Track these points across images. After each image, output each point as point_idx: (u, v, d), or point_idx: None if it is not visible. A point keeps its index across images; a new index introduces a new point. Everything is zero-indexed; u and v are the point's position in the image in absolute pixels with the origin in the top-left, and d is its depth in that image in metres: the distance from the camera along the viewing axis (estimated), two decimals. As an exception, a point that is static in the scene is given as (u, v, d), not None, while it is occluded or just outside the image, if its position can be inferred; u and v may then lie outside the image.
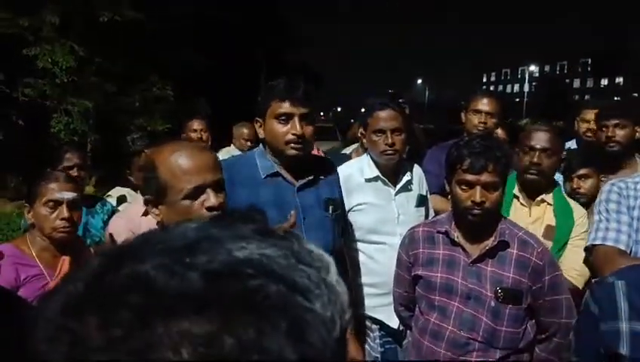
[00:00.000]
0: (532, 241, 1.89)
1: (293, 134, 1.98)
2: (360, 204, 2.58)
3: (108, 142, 8.96)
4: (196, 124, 4.16)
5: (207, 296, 0.34)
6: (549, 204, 2.46)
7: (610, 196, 2.20)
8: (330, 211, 2.14)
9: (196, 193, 1.40)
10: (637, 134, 2.80)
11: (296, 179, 2.09)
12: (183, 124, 4.36)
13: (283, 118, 1.99)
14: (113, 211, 2.96)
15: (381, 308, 2.52)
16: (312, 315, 0.36)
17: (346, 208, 2.50)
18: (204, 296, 0.34)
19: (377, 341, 2.63)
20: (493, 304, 1.83)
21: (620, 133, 2.81)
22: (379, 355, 2.61)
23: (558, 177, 2.73)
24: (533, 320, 1.90)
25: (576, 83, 77.68)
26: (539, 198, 2.48)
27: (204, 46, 12.49)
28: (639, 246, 2.09)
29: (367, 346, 2.59)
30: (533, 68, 77.50)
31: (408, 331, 2.21)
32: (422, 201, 2.72)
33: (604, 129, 2.85)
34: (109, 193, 3.33)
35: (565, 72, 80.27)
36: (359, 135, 3.11)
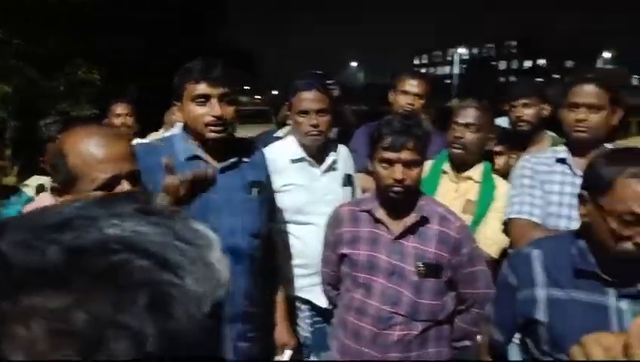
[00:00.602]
0: (451, 217, 1.95)
1: (212, 116, 1.93)
2: (286, 185, 2.58)
3: (29, 128, 8.49)
4: (120, 108, 3.98)
5: (67, 271, 0.34)
6: (475, 180, 2.53)
7: (523, 172, 2.30)
8: (255, 194, 2.11)
9: (111, 184, 1.31)
10: (544, 112, 2.94)
11: (218, 162, 2.05)
12: (107, 108, 4.18)
13: (200, 99, 1.94)
14: (30, 201, 2.81)
15: (310, 288, 2.54)
16: (179, 290, 0.36)
17: (274, 190, 2.50)
18: (63, 271, 0.34)
19: (307, 321, 2.66)
20: (414, 278, 1.88)
21: (527, 112, 2.95)
22: (309, 335, 2.64)
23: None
24: (453, 293, 1.97)
25: (503, 65, 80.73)
26: (465, 174, 2.56)
27: (135, 29, 12.03)
28: (552, 219, 2.21)
29: (297, 327, 2.61)
30: (462, 50, 79.79)
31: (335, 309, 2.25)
32: (348, 181, 2.74)
33: (513, 109, 2.99)
34: (26, 182, 3.16)
35: (492, 54, 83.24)
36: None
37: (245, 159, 2.13)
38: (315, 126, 2.51)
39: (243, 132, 4.32)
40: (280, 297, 2.34)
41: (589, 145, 2.18)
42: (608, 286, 1.41)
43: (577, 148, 2.22)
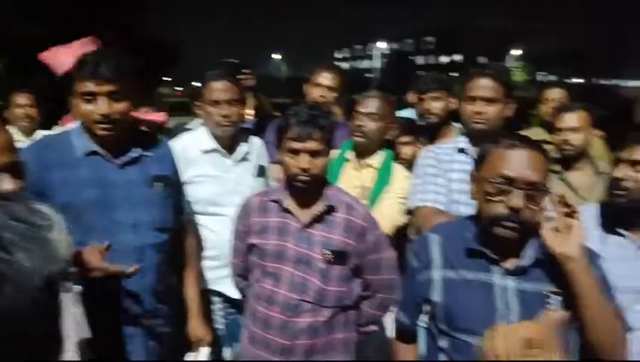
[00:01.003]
0: (357, 205, 2.00)
1: (99, 114, 1.87)
2: (198, 176, 2.55)
3: None
4: (22, 99, 3.74)
5: None
6: (374, 167, 2.62)
7: (427, 161, 2.41)
8: (158, 188, 2.06)
9: None
10: (451, 105, 3.09)
11: (117, 157, 1.99)
12: (9, 98, 3.92)
13: (88, 97, 1.88)
14: None
15: (223, 279, 2.53)
16: (7, 265, 0.38)
17: (184, 180, 2.46)
18: None
19: (220, 313, 2.65)
20: (321, 266, 1.91)
21: (435, 105, 3.09)
22: (223, 327, 2.63)
23: None
24: (360, 279, 2.02)
25: (421, 60, 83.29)
26: (366, 162, 2.63)
27: (43, 17, 11.35)
28: (453, 206, 2.32)
29: (212, 320, 2.59)
30: (382, 45, 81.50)
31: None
32: (260, 172, 2.75)
33: (421, 102, 3.13)
34: None
35: (411, 49, 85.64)
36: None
37: (148, 153, 2.07)
38: (225, 116, 2.50)
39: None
40: (192, 291, 2.31)
41: (487, 135, 2.31)
42: (495, 264, 1.51)
43: (476, 138, 2.35)
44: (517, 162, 1.45)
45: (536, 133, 3.92)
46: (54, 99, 4.06)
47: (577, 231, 1.41)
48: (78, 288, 1.28)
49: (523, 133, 3.92)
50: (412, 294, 1.70)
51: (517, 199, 1.42)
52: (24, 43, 10.37)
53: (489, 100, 2.27)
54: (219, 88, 2.53)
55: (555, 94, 3.86)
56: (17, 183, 1.27)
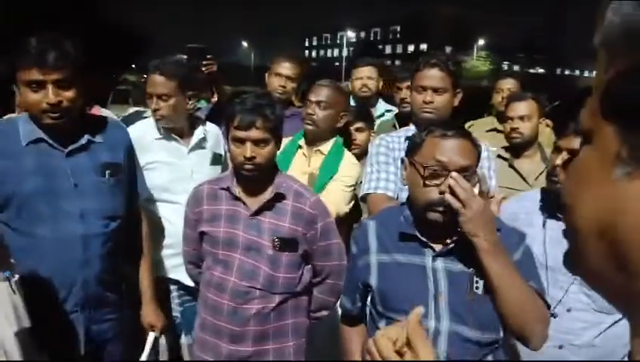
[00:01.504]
0: (306, 192, 2.03)
1: (47, 103, 1.84)
2: (151, 163, 2.53)
3: None
4: None
5: None
6: (324, 153, 2.65)
7: (379, 149, 2.45)
8: (107, 176, 2.05)
9: None
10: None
11: (65, 144, 1.96)
12: None
13: (34, 85, 1.83)
14: None
15: (178, 267, 2.53)
16: None
17: (140, 167, 2.44)
18: None
19: (176, 301, 2.65)
20: (271, 253, 1.94)
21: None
22: (178, 314, 2.63)
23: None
24: (309, 265, 2.06)
25: (388, 49, 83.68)
26: (315, 149, 2.66)
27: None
28: (405, 193, 2.37)
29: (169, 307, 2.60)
30: (350, 34, 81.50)
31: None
32: (217, 160, 2.74)
33: (398, 91, 3.23)
34: None
35: (378, 38, 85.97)
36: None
37: (98, 140, 2.05)
38: (155, 110, 2.51)
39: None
40: (145, 278, 2.31)
41: (435, 124, 2.36)
42: (426, 247, 1.57)
43: (425, 127, 2.40)
44: (448, 149, 1.52)
45: (488, 121, 4.03)
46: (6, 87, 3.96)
47: (479, 208, 1.45)
48: (15, 277, 1.27)
49: (474, 122, 4.06)
50: (353, 279, 1.75)
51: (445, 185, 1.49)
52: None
53: (437, 90, 2.32)
54: (151, 82, 2.51)
55: (507, 84, 3.96)
56: None
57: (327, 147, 2.66)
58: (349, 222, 2.65)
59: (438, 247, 1.56)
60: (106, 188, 2.04)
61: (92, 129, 2.05)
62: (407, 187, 2.33)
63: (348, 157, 2.68)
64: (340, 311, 2.39)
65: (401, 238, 1.60)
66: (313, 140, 2.67)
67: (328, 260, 2.04)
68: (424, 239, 1.57)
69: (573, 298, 1.95)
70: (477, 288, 1.50)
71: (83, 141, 1.99)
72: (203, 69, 3.27)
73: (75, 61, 1.89)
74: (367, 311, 1.78)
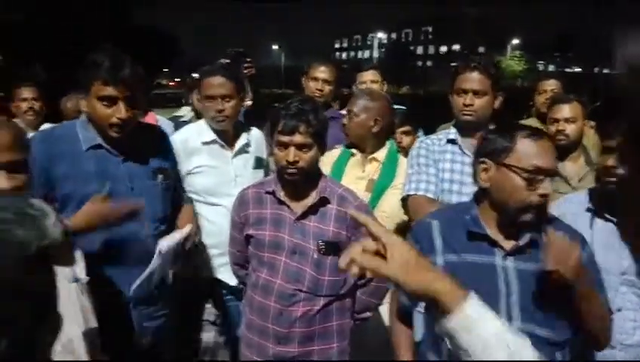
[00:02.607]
0: (349, 196, 2.05)
1: (118, 118, 1.95)
2: (198, 167, 2.62)
3: None
4: (26, 92, 3.69)
5: None
6: (379, 161, 2.66)
7: (419, 152, 2.47)
8: (159, 180, 2.14)
9: None
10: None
11: (121, 150, 2.06)
12: (12, 91, 3.91)
13: (107, 100, 1.94)
14: None
15: (221, 267, 2.61)
16: (6, 234, 0.50)
17: (185, 171, 2.53)
18: None
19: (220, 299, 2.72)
20: (315, 256, 1.97)
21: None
22: (220, 313, 2.70)
23: None
24: (353, 268, 2.07)
25: (420, 50, 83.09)
26: (370, 156, 2.68)
27: (36, 6, 11.31)
28: (445, 195, 2.38)
29: (208, 305, 2.67)
30: (381, 35, 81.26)
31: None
32: (259, 163, 2.81)
33: None
34: None
35: (410, 39, 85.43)
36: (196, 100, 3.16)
37: (149, 146, 2.14)
38: (219, 111, 2.56)
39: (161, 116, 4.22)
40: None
41: (475, 127, 2.37)
42: (495, 246, 1.58)
43: (465, 129, 2.41)
44: (543, 152, 1.54)
45: (529, 123, 3.97)
46: (53, 91, 4.09)
47: (564, 255, 1.47)
48: (85, 279, 1.33)
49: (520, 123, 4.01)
50: None
51: (548, 188, 1.52)
52: (22, 32, 10.36)
53: (477, 93, 2.32)
54: (213, 84, 2.59)
55: (551, 85, 3.91)
56: (17, 180, 1.32)
57: (382, 154, 2.67)
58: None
59: (507, 246, 1.57)
60: (158, 191, 2.12)
61: (143, 136, 2.14)
62: (447, 189, 2.37)
63: (404, 163, 2.69)
64: (382, 313, 2.42)
65: (470, 238, 1.61)
66: (362, 147, 2.69)
67: (372, 263, 2.06)
68: (495, 238, 1.58)
69: (624, 298, 1.94)
70: (548, 288, 1.51)
71: (137, 148, 2.07)
72: (245, 72, 3.35)
73: (141, 79, 2.02)
74: (420, 312, 1.79)
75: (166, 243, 2.02)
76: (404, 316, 1.89)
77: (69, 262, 1.30)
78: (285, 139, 1.92)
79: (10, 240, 0.48)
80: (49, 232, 0.52)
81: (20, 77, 4.61)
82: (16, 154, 1.35)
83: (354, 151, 2.73)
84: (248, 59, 3.43)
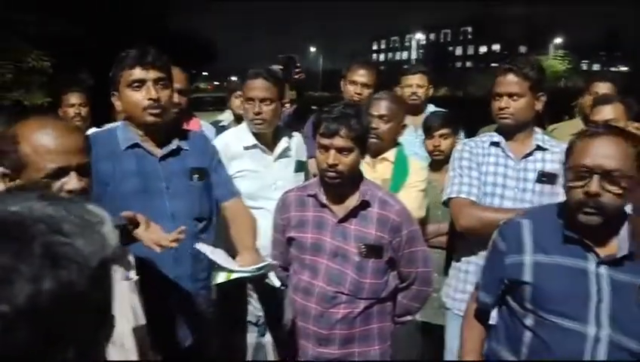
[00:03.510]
0: (391, 200, 2.06)
1: (149, 99, 1.99)
2: (240, 171, 2.66)
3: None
4: (74, 98, 3.80)
5: None
6: (390, 160, 2.68)
7: (462, 154, 2.45)
8: (195, 180, 2.17)
9: (58, 174, 1.36)
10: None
11: (159, 149, 2.10)
12: (60, 97, 4.06)
13: (136, 85, 1.99)
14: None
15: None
16: (69, 248, 0.48)
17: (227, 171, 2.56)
18: None
19: (256, 304, 2.76)
20: (357, 259, 1.99)
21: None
22: (262, 314, 2.75)
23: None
24: (395, 272, 2.09)
25: (459, 50, 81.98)
26: (381, 157, 2.69)
27: (77, 12, 11.68)
28: (487, 198, 2.37)
29: (250, 307, 2.72)
30: (419, 36, 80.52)
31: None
32: (300, 167, 2.84)
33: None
34: None
35: (449, 39, 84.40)
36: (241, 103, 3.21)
37: (186, 147, 2.18)
38: (257, 114, 2.60)
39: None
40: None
41: (515, 129, 2.36)
42: (589, 251, 1.57)
43: (506, 132, 2.39)
44: (594, 151, 1.52)
45: (574, 124, 3.87)
46: (100, 96, 4.23)
47: None
48: (136, 277, 1.39)
49: (557, 125, 3.91)
50: (497, 275, 1.76)
51: (593, 185, 1.50)
52: (69, 41, 10.70)
53: (513, 95, 2.30)
54: (254, 86, 2.63)
55: (602, 89, 3.72)
56: (83, 182, 1.38)
57: (391, 154, 2.69)
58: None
59: (601, 253, 1.56)
60: (194, 190, 2.16)
61: (180, 136, 2.20)
62: (490, 192, 2.36)
63: (414, 162, 2.70)
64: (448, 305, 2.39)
65: (564, 240, 1.60)
66: (376, 152, 2.70)
67: (414, 267, 2.07)
68: (590, 243, 1.57)
69: None
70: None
71: (173, 147, 2.13)
72: (295, 77, 3.39)
73: (169, 63, 2.07)
74: (503, 306, 1.79)
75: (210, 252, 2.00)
76: (482, 314, 1.87)
77: (124, 261, 1.36)
78: (326, 142, 1.95)
79: (72, 255, 0.48)
80: (109, 241, 0.53)
81: (68, 83, 4.77)
82: (85, 158, 1.42)
83: None
84: (298, 64, 3.48)
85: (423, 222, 2.66)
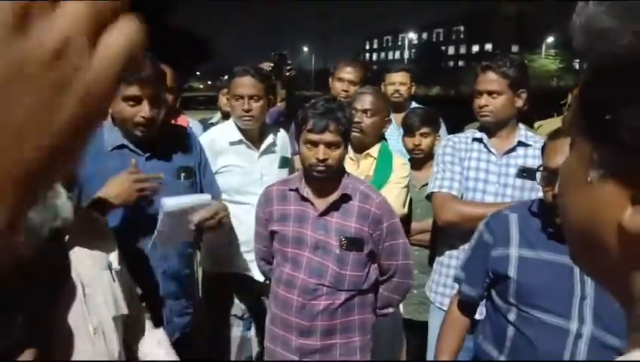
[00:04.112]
0: (372, 194, 2.09)
1: (142, 117, 2.00)
2: (225, 166, 2.69)
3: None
4: None
5: None
6: (373, 156, 2.71)
7: (445, 150, 2.50)
8: (182, 179, 2.19)
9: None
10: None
11: (144, 150, 2.12)
12: None
13: (131, 100, 1.99)
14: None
15: (248, 264, 2.67)
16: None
17: (213, 171, 2.59)
18: None
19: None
20: (338, 251, 2.02)
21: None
22: (245, 308, 2.78)
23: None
24: (375, 264, 2.12)
25: (451, 50, 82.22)
26: (365, 153, 2.73)
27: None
28: (469, 193, 2.41)
29: (235, 300, 2.74)
30: (412, 35, 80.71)
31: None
32: (285, 163, 2.87)
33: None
34: None
35: (441, 38, 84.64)
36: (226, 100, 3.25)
37: (173, 146, 2.20)
38: (247, 111, 2.62)
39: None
40: None
41: (496, 126, 2.40)
42: None
43: (488, 129, 2.43)
44: (555, 153, 1.57)
45: (558, 122, 3.93)
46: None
47: None
48: (118, 267, 1.41)
49: (543, 122, 3.96)
50: (481, 267, 1.78)
51: (556, 188, 1.52)
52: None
53: (492, 93, 2.34)
54: (242, 83, 2.65)
55: None
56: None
57: (375, 150, 2.72)
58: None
59: None
60: (182, 189, 2.18)
61: (167, 136, 2.20)
62: (472, 187, 2.40)
63: (398, 159, 2.74)
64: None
65: (548, 236, 1.63)
66: (360, 147, 2.73)
67: (394, 259, 2.10)
68: None
69: None
70: None
71: (161, 146, 2.14)
72: (287, 74, 3.42)
73: (164, 79, 2.09)
74: (489, 301, 1.82)
75: (173, 202, 1.93)
76: (468, 307, 1.90)
77: (103, 246, 1.38)
78: (315, 137, 1.98)
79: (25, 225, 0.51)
80: (60, 212, 0.54)
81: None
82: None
83: None
84: (289, 62, 3.50)
85: (406, 219, 2.70)
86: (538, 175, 1.65)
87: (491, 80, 2.34)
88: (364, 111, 2.68)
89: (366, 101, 2.69)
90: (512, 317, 1.64)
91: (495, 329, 1.72)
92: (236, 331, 2.78)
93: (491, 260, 1.73)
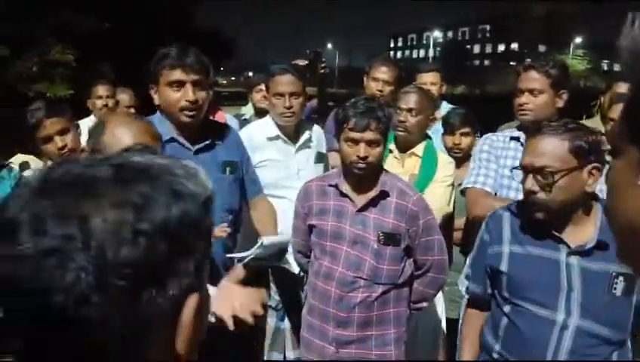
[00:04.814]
0: (409, 191, 2.15)
1: (187, 100, 2.08)
2: (263, 161, 2.77)
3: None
4: (102, 90, 3.92)
5: (116, 178, 0.55)
6: (418, 156, 2.75)
7: (482, 147, 2.54)
8: (227, 173, 2.28)
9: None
10: None
11: (192, 144, 2.20)
12: (88, 89, 4.18)
13: (175, 85, 2.08)
14: (20, 177, 2.89)
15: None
16: (183, 186, 0.58)
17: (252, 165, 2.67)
18: (113, 179, 0.55)
19: (274, 289, 2.86)
20: (375, 246, 2.08)
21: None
22: (279, 298, 2.86)
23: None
24: (411, 259, 2.18)
25: (477, 48, 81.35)
26: (409, 151, 2.77)
27: (103, 8, 11.90)
28: (503, 190, 2.45)
29: (271, 291, 2.82)
30: (437, 34, 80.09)
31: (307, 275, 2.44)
32: (320, 158, 2.94)
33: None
34: (11, 160, 3.25)
35: (467, 37, 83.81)
36: (262, 97, 3.33)
37: (218, 141, 2.28)
38: (288, 108, 2.70)
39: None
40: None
41: (535, 125, 2.41)
42: (560, 243, 1.65)
43: (526, 129, 2.46)
44: (527, 151, 1.66)
45: (593, 123, 3.91)
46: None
47: None
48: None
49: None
50: (481, 265, 1.85)
51: (527, 183, 1.63)
52: (91, 33, 10.92)
53: (533, 92, 2.37)
54: (283, 81, 2.73)
55: (624, 88, 3.76)
56: None
57: (420, 149, 2.76)
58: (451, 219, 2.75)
59: (573, 243, 1.63)
60: (226, 183, 2.27)
61: (212, 131, 2.29)
62: (507, 185, 2.44)
63: (443, 157, 2.78)
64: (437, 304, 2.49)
65: (537, 232, 1.69)
66: (405, 146, 2.78)
67: (429, 255, 2.16)
68: (559, 235, 1.65)
69: None
70: (615, 289, 1.57)
71: (207, 141, 2.23)
72: (321, 71, 3.48)
73: (208, 66, 2.16)
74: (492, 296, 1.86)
75: (270, 239, 2.21)
76: (478, 303, 1.93)
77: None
78: (356, 135, 2.04)
79: (187, 192, 0.57)
80: (206, 185, 0.62)
81: (95, 75, 4.89)
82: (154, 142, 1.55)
83: (391, 147, 2.79)
84: (324, 59, 3.57)
85: (452, 217, 2.74)
86: (516, 172, 1.73)
87: (534, 78, 2.38)
88: (409, 110, 2.72)
89: (410, 100, 2.73)
90: (506, 309, 1.73)
91: (493, 321, 1.80)
92: (270, 321, 2.86)
93: (488, 257, 1.80)
